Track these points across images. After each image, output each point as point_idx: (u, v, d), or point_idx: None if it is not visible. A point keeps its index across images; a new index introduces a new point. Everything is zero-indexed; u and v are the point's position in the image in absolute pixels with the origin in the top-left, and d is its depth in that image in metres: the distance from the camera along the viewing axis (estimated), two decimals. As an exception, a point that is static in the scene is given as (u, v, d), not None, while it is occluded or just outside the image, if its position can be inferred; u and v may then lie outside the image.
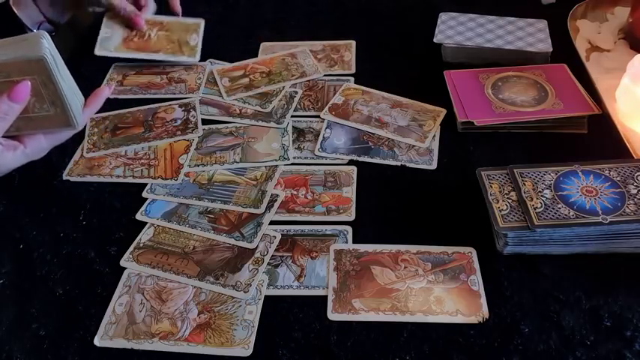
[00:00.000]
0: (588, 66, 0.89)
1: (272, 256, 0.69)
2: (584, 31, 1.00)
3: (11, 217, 0.74)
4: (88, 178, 0.79)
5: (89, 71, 0.97)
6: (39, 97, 0.62)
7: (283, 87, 0.92)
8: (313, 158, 0.81)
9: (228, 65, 0.99)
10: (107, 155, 0.82)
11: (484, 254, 0.67)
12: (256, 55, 1.01)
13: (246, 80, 0.95)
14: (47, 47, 0.61)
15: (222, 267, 0.68)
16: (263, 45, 1.03)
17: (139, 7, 0.99)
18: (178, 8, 1.02)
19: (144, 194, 0.76)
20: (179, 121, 0.87)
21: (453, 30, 0.97)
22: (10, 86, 0.61)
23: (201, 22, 1.01)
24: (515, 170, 0.70)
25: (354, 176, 0.78)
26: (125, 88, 0.94)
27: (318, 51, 1.01)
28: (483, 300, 0.63)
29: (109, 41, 0.96)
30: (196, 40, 0.99)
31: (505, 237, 0.65)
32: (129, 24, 0.97)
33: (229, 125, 0.87)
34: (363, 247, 0.69)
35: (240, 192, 0.76)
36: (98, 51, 0.95)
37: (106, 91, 0.74)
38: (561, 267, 0.66)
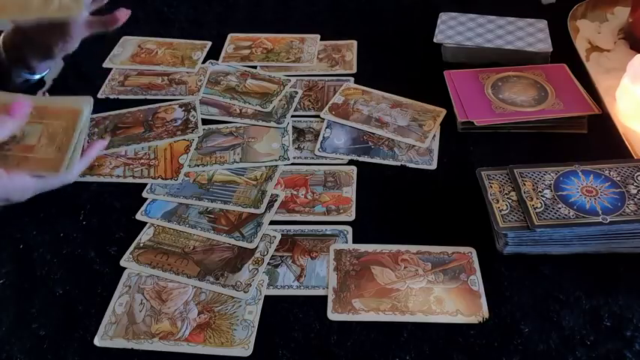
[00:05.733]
0: (588, 66, 0.90)
1: (272, 256, 0.69)
2: (584, 31, 1.00)
3: (11, 217, 0.74)
4: (88, 178, 0.79)
5: (90, 71, 0.97)
6: (51, 140, 0.64)
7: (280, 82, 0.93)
8: (313, 158, 0.81)
9: (243, 35, 1.04)
10: (107, 155, 0.82)
11: (484, 254, 0.67)
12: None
13: (246, 52, 1.00)
14: (88, 109, 0.66)
15: (222, 267, 0.68)
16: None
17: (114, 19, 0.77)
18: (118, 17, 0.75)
19: (144, 194, 0.76)
20: (179, 121, 0.87)
21: (453, 30, 0.97)
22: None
23: (209, 44, 1.03)
24: (515, 170, 0.70)
25: (354, 176, 0.78)
26: (126, 88, 0.94)
27: (319, 50, 1.01)
28: (483, 300, 0.63)
29: (118, 57, 1.00)
30: (199, 56, 1.00)
31: (505, 237, 0.65)
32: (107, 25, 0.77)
33: (229, 125, 0.87)
34: (363, 247, 0.69)
35: (240, 192, 0.76)
36: (106, 64, 0.99)
37: (99, 143, 0.71)
38: (561, 267, 0.66)
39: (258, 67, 0.98)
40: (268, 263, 0.68)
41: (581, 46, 0.96)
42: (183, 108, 0.90)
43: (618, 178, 0.68)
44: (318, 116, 0.88)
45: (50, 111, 0.65)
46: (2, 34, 0.76)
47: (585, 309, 0.62)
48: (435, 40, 0.96)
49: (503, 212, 0.66)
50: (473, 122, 0.82)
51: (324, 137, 0.84)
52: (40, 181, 0.64)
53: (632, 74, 0.81)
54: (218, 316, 0.63)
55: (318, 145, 0.82)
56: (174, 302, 0.64)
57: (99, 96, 0.92)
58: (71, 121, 0.65)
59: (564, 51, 0.93)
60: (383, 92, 0.91)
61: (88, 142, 0.81)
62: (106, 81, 0.95)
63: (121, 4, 0.76)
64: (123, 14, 0.75)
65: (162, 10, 1.12)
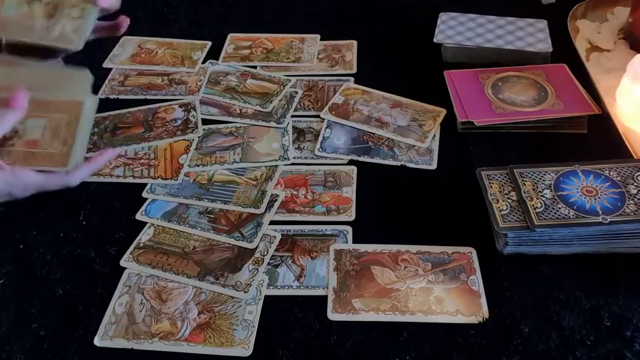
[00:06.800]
0: (588, 66, 0.90)
1: (272, 256, 0.69)
2: (584, 31, 1.00)
3: (11, 217, 0.74)
4: (88, 178, 0.79)
5: (90, 71, 0.97)
6: (55, 134, 0.64)
7: (280, 83, 0.93)
8: (313, 158, 0.81)
9: (243, 35, 1.04)
10: (107, 155, 0.82)
11: (484, 254, 0.67)
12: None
13: (246, 52, 1.00)
14: (91, 101, 0.65)
15: (222, 267, 0.68)
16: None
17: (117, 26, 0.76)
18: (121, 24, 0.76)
19: (144, 194, 0.76)
20: (179, 121, 0.87)
21: (453, 30, 0.97)
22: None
23: (209, 44, 1.03)
24: (515, 170, 0.70)
25: (354, 176, 0.78)
26: (126, 88, 0.94)
27: (319, 50, 1.01)
28: (483, 300, 0.63)
29: (118, 57, 1.01)
30: (199, 56, 1.00)
31: (505, 237, 0.65)
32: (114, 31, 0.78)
33: (229, 125, 0.87)
34: (363, 247, 0.69)
35: (240, 192, 0.76)
36: (106, 64, 0.99)
37: (110, 152, 0.72)
38: (561, 267, 0.66)
39: (258, 67, 0.98)
40: (268, 263, 0.68)
41: (581, 46, 0.96)
42: (183, 108, 0.90)
43: (618, 178, 0.68)
44: (318, 116, 0.88)
45: (51, 104, 0.64)
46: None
47: (585, 309, 0.62)
48: (435, 40, 0.96)
49: (503, 212, 0.66)
50: (473, 122, 0.82)
51: (324, 137, 0.84)
52: (41, 177, 0.64)
53: (632, 74, 0.81)
54: (218, 316, 0.63)
55: (318, 145, 0.82)
56: (174, 302, 0.64)
57: (99, 96, 0.92)
58: (73, 114, 0.64)
59: (564, 51, 0.93)
60: (383, 92, 0.91)
61: (93, 144, 0.82)
62: (106, 81, 0.95)
63: (122, 3, 0.76)
64: (124, 21, 0.75)
65: (162, 10, 1.12)
